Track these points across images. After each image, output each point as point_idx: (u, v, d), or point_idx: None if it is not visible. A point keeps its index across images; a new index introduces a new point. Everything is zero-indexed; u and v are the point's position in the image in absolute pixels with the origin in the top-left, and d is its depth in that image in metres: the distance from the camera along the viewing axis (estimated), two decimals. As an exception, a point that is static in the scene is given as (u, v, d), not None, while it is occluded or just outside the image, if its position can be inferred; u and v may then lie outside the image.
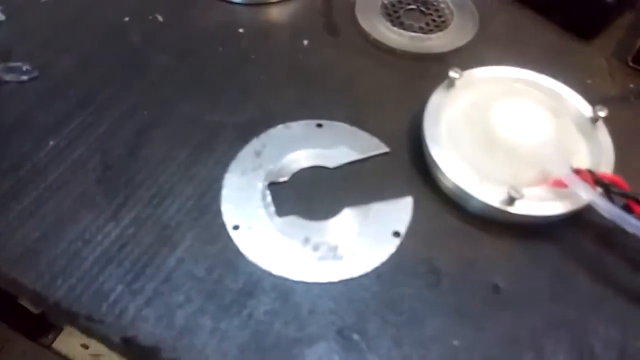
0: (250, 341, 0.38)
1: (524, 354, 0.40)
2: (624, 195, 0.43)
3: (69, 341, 1.43)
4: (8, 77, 0.53)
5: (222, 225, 0.44)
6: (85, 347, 1.42)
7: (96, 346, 1.40)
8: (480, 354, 0.39)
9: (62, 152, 0.48)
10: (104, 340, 0.38)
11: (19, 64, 0.54)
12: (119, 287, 0.40)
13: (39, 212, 0.44)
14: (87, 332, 0.39)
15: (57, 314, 0.39)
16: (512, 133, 0.46)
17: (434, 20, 0.63)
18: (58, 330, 1.44)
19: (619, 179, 0.44)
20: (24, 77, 0.53)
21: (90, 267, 0.42)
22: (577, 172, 0.44)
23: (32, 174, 0.47)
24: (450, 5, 0.64)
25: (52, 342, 1.43)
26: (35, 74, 0.53)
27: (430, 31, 0.62)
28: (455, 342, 0.39)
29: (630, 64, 0.60)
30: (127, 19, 0.60)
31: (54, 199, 0.45)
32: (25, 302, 1.38)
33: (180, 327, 0.39)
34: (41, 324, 1.43)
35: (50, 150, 0.48)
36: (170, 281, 0.41)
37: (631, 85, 0.58)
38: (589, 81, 0.58)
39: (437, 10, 0.64)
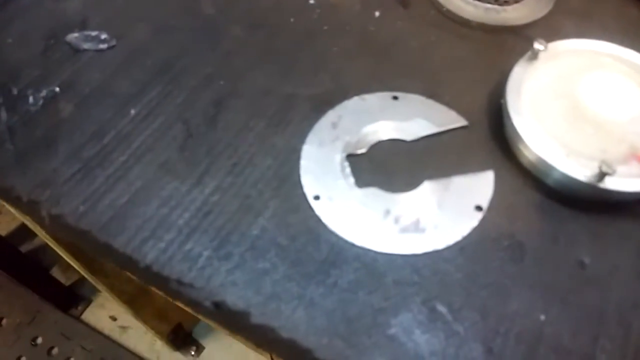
0: (337, 309, 0.39)
1: (612, 330, 0.39)
2: None
3: (98, 313, 1.47)
4: (86, 46, 0.54)
5: (303, 196, 0.44)
6: (114, 319, 1.46)
7: (124, 318, 1.44)
8: (568, 329, 0.39)
9: (144, 120, 0.49)
10: (194, 304, 0.39)
11: (96, 32, 0.55)
12: (206, 253, 0.41)
13: (125, 178, 0.45)
14: (177, 296, 0.39)
15: (147, 278, 0.40)
16: (601, 107, 0.45)
17: (509, -8, 0.61)
18: (87, 302, 1.47)
19: None
20: (102, 46, 0.54)
21: (178, 232, 0.42)
22: (669, 148, 0.42)
23: (116, 142, 0.47)
24: (526, -24, 0.62)
25: (82, 313, 1.47)
26: (112, 42, 0.54)
27: (506, 3, 0.60)
28: (542, 317, 0.39)
29: None
30: (199, -12, 0.60)
31: (138, 165, 0.46)
32: (56, 274, 1.42)
33: (268, 292, 0.39)
34: (71, 296, 1.48)
35: (133, 119, 0.49)
36: (255, 249, 0.41)
37: None
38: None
39: (512, -18, 0.62)
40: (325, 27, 0.57)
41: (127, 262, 0.41)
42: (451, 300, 0.39)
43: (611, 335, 0.39)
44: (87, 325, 1.46)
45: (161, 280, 0.40)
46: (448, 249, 0.42)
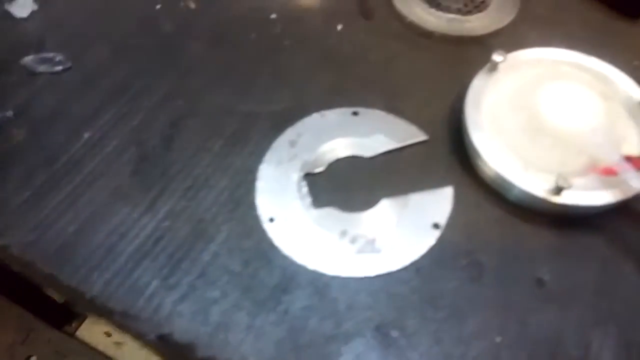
0: (286, 337, 0.38)
1: (571, 351, 0.38)
2: (679, 183, 0.40)
3: (92, 329, 1.45)
4: (41, 68, 0.53)
5: (258, 218, 0.43)
6: (108, 334, 1.44)
7: (119, 334, 1.43)
8: (524, 351, 0.38)
9: (97, 144, 0.48)
10: (140, 336, 0.38)
11: (51, 54, 0.54)
12: (155, 282, 0.40)
13: (75, 205, 0.44)
14: (123, 328, 0.38)
15: (92, 309, 0.39)
16: (560, 118, 0.44)
17: (472, 1, 0.61)
18: (82, 319, 1.46)
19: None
20: (58, 68, 0.53)
21: (126, 261, 0.41)
22: (628, 159, 0.42)
23: (68, 167, 0.47)
24: (490, -16, 0.62)
25: (76, 330, 1.45)
26: (68, 64, 0.53)
27: (469, 12, 0.59)
28: (498, 339, 0.38)
29: (681, 43, 0.56)
30: (158, 6, 0.60)
31: (89, 191, 0.45)
32: (50, 292, 1.41)
33: (215, 323, 0.38)
34: (65, 313, 1.46)
35: (85, 143, 0.48)
36: (205, 275, 0.40)
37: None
38: (635, 63, 0.55)
39: (476, -10, 0.62)
40: (287, 42, 0.57)
41: (73, 294, 0.40)
42: (405, 325, 0.39)
43: (570, 355, 0.38)
44: (81, 342, 1.45)
45: (106, 312, 0.39)
46: (404, 269, 0.41)
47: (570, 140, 0.43)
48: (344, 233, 0.43)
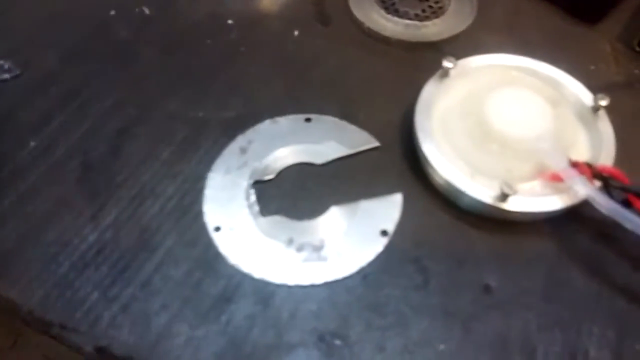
0: (227, 349, 0.37)
1: (515, 357, 0.38)
2: (624, 189, 0.41)
3: None
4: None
5: (204, 227, 0.43)
6: None
7: None
8: (468, 358, 0.37)
9: (43, 152, 0.47)
10: (77, 349, 0.37)
11: (0, 62, 0.53)
12: (95, 293, 0.39)
13: (16, 215, 0.43)
14: (60, 341, 0.37)
15: (29, 322, 0.38)
16: (507, 125, 0.44)
17: (430, 7, 0.61)
18: None
19: (618, 172, 0.41)
20: (6, 76, 0.52)
21: (66, 272, 0.41)
22: (575, 165, 0.42)
23: (11, 176, 0.46)
24: (448, -11, 0.62)
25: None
26: (17, 72, 0.52)
27: (427, 18, 0.60)
28: (442, 347, 0.38)
29: (636, 48, 0.57)
30: (112, 12, 0.59)
31: (33, 201, 0.44)
32: None
33: (155, 335, 0.38)
34: None
35: (31, 151, 0.47)
36: (147, 286, 0.40)
37: (636, 71, 0.56)
38: (592, 67, 0.55)
39: (434, -4, 0.62)
40: (243, 49, 0.56)
41: (11, 307, 0.39)
42: (349, 334, 0.38)
43: (513, 362, 0.38)
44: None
45: (44, 325, 0.38)
46: (350, 277, 0.41)
47: (517, 147, 0.43)
48: (290, 241, 0.42)
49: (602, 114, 0.47)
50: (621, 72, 0.55)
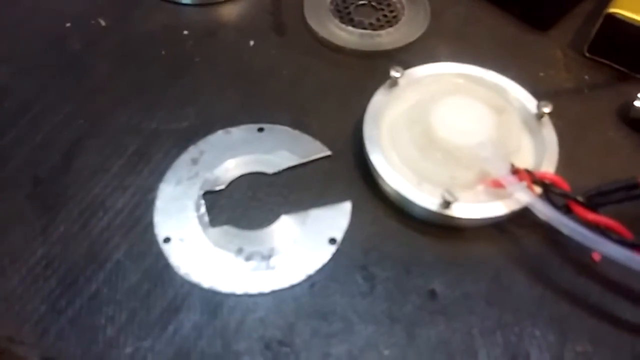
0: (174, 359, 0.38)
1: (458, 361, 0.39)
2: (564, 195, 0.42)
3: None
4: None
5: (154, 238, 0.43)
6: None
7: None
8: (412, 363, 0.38)
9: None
10: (23, 362, 0.37)
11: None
12: (43, 307, 0.40)
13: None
14: (8, 353, 0.38)
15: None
16: (451, 133, 0.45)
17: (385, 16, 0.62)
18: None
19: (558, 179, 0.43)
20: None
21: (15, 286, 0.41)
22: (516, 172, 0.43)
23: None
24: (402, -1, 0.63)
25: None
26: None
27: (381, 27, 0.61)
28: (386, 352, 0.39)
29: (586, 54, 0.59)
30: (68, 24, 0.59)
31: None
32: None
33: (103, 346, 0.38)
34: None
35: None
36: (95, 299, 0.40)
37: (586, 77, 0.57)
38: (541, 74, 0.57)
39: (388, 5, 0.63)
40: (197, 59, 0.57)
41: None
42: (295, 341, 0.39)
43: (456, 365, 0.39)
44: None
45: (-9, 339, 0.38)
46: (298, 285, 0.42)
47: (460, 154, 0.44)
48: (240, 251, 0.43)
49: (545, 120, 0.48)
50: (571, 78, 0.57)
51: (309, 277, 0.42)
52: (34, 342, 0.38)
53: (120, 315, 0.40)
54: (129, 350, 0.38)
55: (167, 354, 0.38)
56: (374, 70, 0.55)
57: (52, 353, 0.38)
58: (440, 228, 0.45)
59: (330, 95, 0.54)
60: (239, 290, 0.41)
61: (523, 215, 0.43)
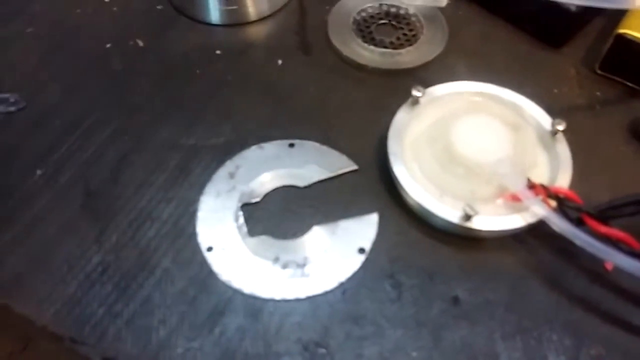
0: (222, 359, 0.41)
1: (480, 362, 0.42)
2: (577, 209, 0.45)
3: None
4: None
5: (197, 247, 0.47)
6: None
7: None
8: (437, 364, 0.42)
9: (49, 180, 0.51)
10: (87, 360, 0.41)
11: (6, 95, 0.57)
12: (101, 310, 0.44)
13: (26, 239, 0.48)
14: (72, 352, 0.42)
15: (42, 337, 0.42)
16: (470, 150, 0.48)
17: (404, 35, 0.65)
18: None
19: (572, 194, 0.46)
20: (12, 108, 0.56)
21: (74, 291, 0.45)
22: (532, 187, 0.46)
23: (20, 203, 0.50)
24: (421, 18, 0.66)
25: None
26: (22, 104, 0.56)
27: (401, 46, 0.64)
28: (414, 354, 0.42)
29: (598, 71, 0.61)
30: (109, 45, 0.63)
31: (40, 226, 0.49)
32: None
33: (156, 347, 0.42)
34: None
35: (38, 180, 0.51)
36: (148, 303, 0.44)
37: (598, 93, 0.60)
38: (555, 90, 0.60)
39: (408, 24, 0.66)
40: (230, 78, 0.61)
41: (25, 323, 0.43)
42: (330, 343, 0.43)
43: (478, 366, 0.42)
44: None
45: (57, 339, 0.42)
46: (331, 292, 0.45)
47: (480, 170, 0.48)
48: (276, 259, 0.47)
49: (560, 137, 0.51)
50: (583, 94, 0.60)
51: (341, 284, 0.46)
52: (94, 342, 0.42)
53: (171, 318, 0.44)
54: (180, 350, 0.42)
55: (214, 354, 0.42)
56: (395, 87, 0.59)
57: (111, 353, 0.42)
58: (462, 239, 0.48)
59: (355, 112, 0.58)
60: (277, 296, 0.45)
61: (539, 227, 0.46)
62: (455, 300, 0.45)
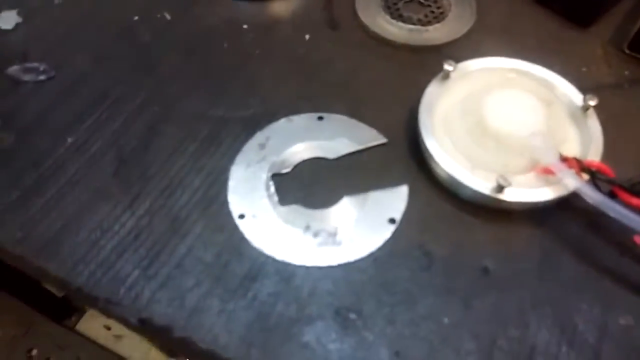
0: (255, 321, 0.42)
1: (510, 331, 0.42)
2: (609, 182, 0.45)
3: (92, 323, 1.47)
4: (26, 78, 0.57)
5: (229, 215, 0.47)
6: (108, 328, 1.46)
7: (118, 327, 1.45)
8: (468, 331, 0.42)
9: (80, 148, 0.52)
10: (122, 320, 0.42)
11: (36, 64, 0.57)
12: (135, 272, 0.44)
13: (60, 204, 0.48)
14: (107, 313, 0.42)
15: (79, 298, 0.43)
16: (503, 123, 0.48)
17: (432, 12, 0.65)
18: (81, 313, 1.48)
19: (604, 167, 0.46)
20: (42, 77, 0.56)
21: (108, 254, 0.45)
22: (565, 160, 0.46)
23: (53, 170, 0.50)
24: (449, -4, 0.66)
25: (76, 324, 1.47)
26: (52, 73, 0.57)
27: (429, 23, 0.64)
28: (445, 320, 0.42)
29: (626, 50, 0.61)
30: (136, 17, 0.63)
31: (73, 192, 0.49)
32: (49, 286, 1.44)
33: (190, 308, 0.42)
34: (65, 307, 1.48)
35: (69, 147, 0.52)
36: (181, 267, 0.44)
37: (626, 72, 0.60)
38: (584, 69, 0.59)
39: (435, 2, 0.66)
40: (258, 51, 0.61)
41: (61, 285, 0.44)
42: (362, 308, 0.43)
43: (509, 336, 0.42)
44: (81, 335, 1.47)
45: (92, 300, 0.43)
46: (362, 260, 0.46)
47: (512, 143, 0.48)
48: (307, 228, 0.47)
49: (591, 112, 0.51)
50: (612, 74, 0.60)
51: (372, 253, 0.46)
52: (129, 303, 0.43)
53: (204, 282, 0.44)
54: (214, 312, 0.42)
55: (248, 317, 0.42)
56: (423, 63, 0.59)
57: (146, 314, 0.42)
58: (491, 211, 0.48)
59: (383, 87, 0.58)
60: (308, 263, 0.45)
61: (569, 201, 0.46)
62: (485, 270, 0.45)
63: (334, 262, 0.45)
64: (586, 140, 0.50)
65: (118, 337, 1.44)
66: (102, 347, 1.43)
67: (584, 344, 0.42)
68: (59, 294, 1.44)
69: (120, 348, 1.43)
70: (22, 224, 0.47)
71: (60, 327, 1.47)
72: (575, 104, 0.52)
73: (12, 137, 0.53)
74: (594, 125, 0.50)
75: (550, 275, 0.45)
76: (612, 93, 0.57)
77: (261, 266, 0.45)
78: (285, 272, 0.45)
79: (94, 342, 1.44)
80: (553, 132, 0.49)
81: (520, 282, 0.45)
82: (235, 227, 0.47)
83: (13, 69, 0.57)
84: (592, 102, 0.50)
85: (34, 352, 1.41)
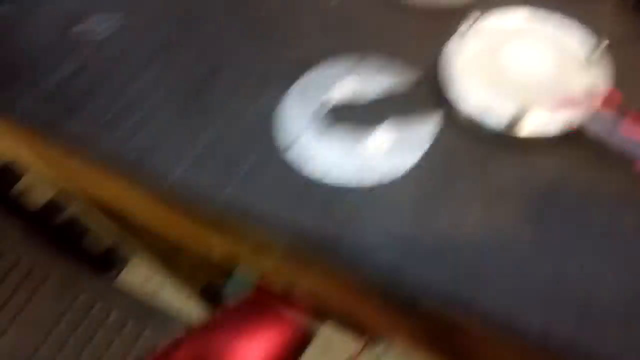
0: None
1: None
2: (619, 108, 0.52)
3: (132, 276, 1.59)
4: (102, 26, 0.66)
5: (281, 141, 0.57)
6: (147, 280, 1.58)
7: (157, 280, 1.56)
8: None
9: (157, 79, 0.62)
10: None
11: (110, 14, 0.67)
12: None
13: (141, 130, 0.58)
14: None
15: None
16: (519, 69, 0.57)
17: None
18: (121, 266, 1.59)
19: (613, 91, 0.53)
20: (118, 23, 0.66)
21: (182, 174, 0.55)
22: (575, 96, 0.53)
23: (128, 105, 0.60)
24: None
25: (116, 276, 1.59)
26: (125, 22, 0.66)
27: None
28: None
29: None
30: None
31: (156, 117, 0.59)
32: (91, 242, 1.55)
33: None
34: (106, 261, 1.59)
35: (148, 80, 0.62)
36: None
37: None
38: (598, 18, 0.63)
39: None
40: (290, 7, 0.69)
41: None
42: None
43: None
44: (122, 288, 1.58)
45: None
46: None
47: (529, 86, 0.55)
48: (349, 153, 0.56)
49: (602, 55, 0.57)
50: (626, 24, 0.64)
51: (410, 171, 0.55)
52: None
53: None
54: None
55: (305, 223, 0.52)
56: (444, 22, 0.63)
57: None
58: (509, 144, 0.55)
59: (411, 40, 0.65)
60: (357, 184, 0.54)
61: (581, 133, 0.54)
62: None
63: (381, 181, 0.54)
64: (597, 83, 0.56)
65: (156, 290, 1.54)
66: (141, 299, 1.54)
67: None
68: (100, 249, 1.55)
69: (160, 300, 1.54)
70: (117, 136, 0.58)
71: (102, 279, 1.57)
72: (587, 47, 0.58)
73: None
74: (605, 67, 0.56)
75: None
76: (627, 38, 0.61)
77: (311, 187, 0.54)
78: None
79: (133, 295, 1.56)
80: (566, 72, 0.56)
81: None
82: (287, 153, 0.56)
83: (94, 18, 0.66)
84: (603, 45, 0.56)
85: (79, 300, 1.52)
